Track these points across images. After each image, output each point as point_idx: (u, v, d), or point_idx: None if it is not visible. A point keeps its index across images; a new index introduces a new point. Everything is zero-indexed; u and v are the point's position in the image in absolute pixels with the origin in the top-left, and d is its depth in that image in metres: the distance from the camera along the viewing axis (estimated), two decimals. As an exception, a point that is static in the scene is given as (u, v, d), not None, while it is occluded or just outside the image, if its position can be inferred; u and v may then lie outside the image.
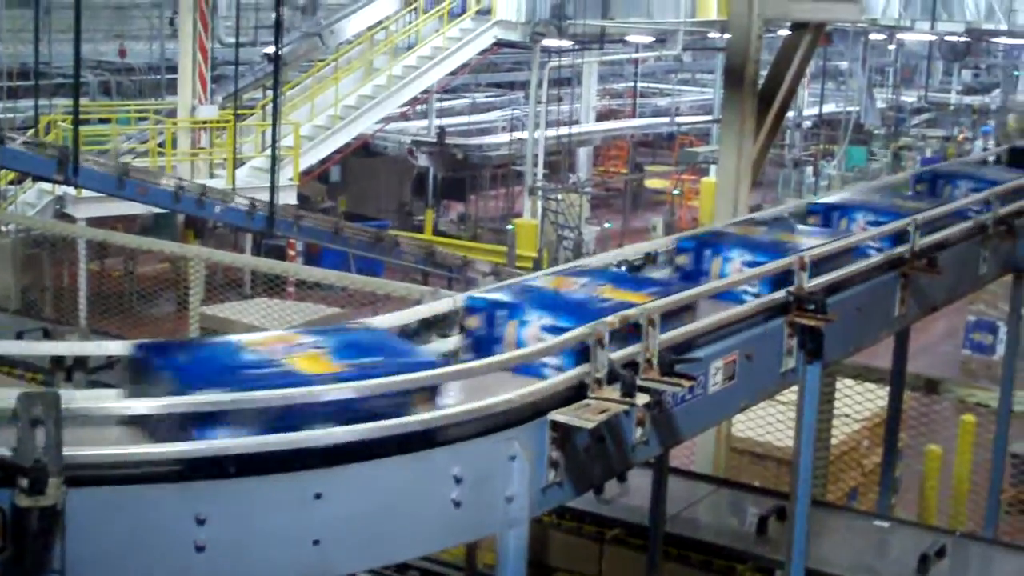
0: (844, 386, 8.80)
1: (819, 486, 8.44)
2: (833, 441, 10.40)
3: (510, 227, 27.03)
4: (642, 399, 3.99)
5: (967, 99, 46.87)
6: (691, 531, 6.60)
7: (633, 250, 5.59)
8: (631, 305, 4.25)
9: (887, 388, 7.89)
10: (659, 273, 5.49)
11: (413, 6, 26.21)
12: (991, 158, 9.06)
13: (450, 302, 4.40)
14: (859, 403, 8.91)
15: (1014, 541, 9.83)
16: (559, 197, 27.38)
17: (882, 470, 8.15)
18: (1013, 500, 12.38)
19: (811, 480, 5.50)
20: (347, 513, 3.41)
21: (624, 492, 6.84)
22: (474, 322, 4.44)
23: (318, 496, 3.33)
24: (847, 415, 9.69)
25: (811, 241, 5.42)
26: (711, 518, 6.95)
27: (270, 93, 23.14)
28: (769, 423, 9.61)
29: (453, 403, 3.66)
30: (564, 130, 28.96)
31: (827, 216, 6.40)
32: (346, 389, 3.40)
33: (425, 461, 3.52)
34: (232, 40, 25.25)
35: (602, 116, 37.16)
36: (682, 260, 5.44)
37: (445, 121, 33.03)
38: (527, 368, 4.05)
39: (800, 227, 6.06)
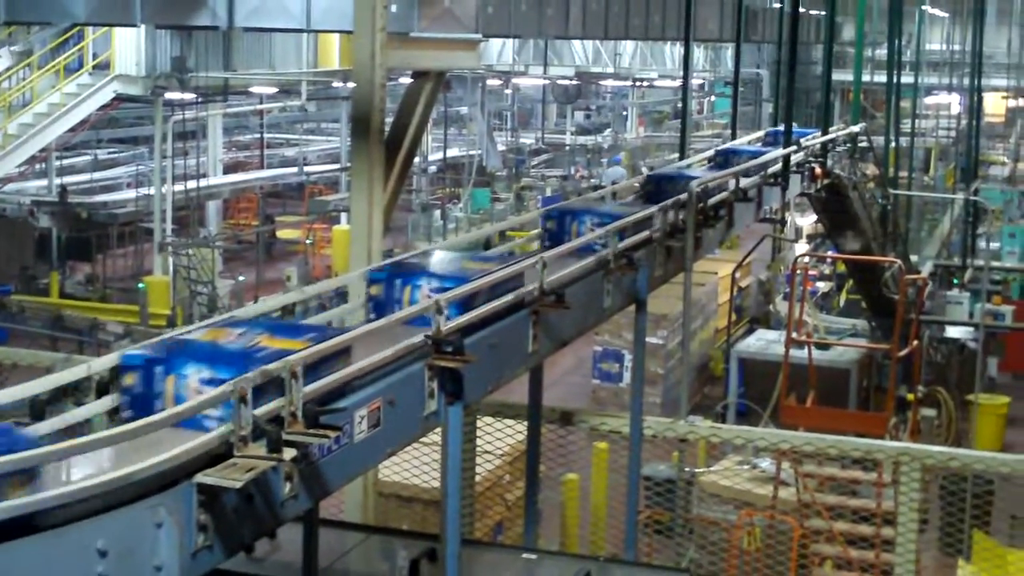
0: (484, 423, 9.00)
1: (467, 524, 8.59)
2: (476, 478, 10.62)
3: (141, 285, 26.33)
4: (289, 454, 3.98)
5: (581, 139, 49.04)
6: (344, 582, 6.60)
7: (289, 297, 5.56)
8: (291, 352, 4.26)
9: (524, 423, 8.11)
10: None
11: (26, 62, 25.23)
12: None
13: (84, 369, 4.26)
14: (498, 439, 9.13)
15: (653, 562, 10.30)
16: (190, 252, 26.87)
17: (526, 503, 8.37)
18: (648, 521, 12.96)
19: (460, 519, 5.60)
20: (-14, 599, 3.25)
21: (275, 549, 6.75)
22: (131, 380, 4.31)
23: (-50, 585, 3.17)
24: (488, 451, 9.91)
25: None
26: (363, 567, 6.94)
27: None
28: (414, 466, 9.71)
29: (93, 474, 3.55)
30: (192, 184, 28.51)
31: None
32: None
33: (65, 537, 3.38)
34: None
35: (230, 168, 36.80)
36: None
37: (67, 179, 31.89)
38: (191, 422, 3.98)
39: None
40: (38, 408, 4.14)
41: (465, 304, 5.48)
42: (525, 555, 7.12)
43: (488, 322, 5.66)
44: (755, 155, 12.54)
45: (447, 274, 5.84)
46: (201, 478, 3.74)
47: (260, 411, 3.98)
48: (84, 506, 3.44)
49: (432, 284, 5.66)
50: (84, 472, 3.63)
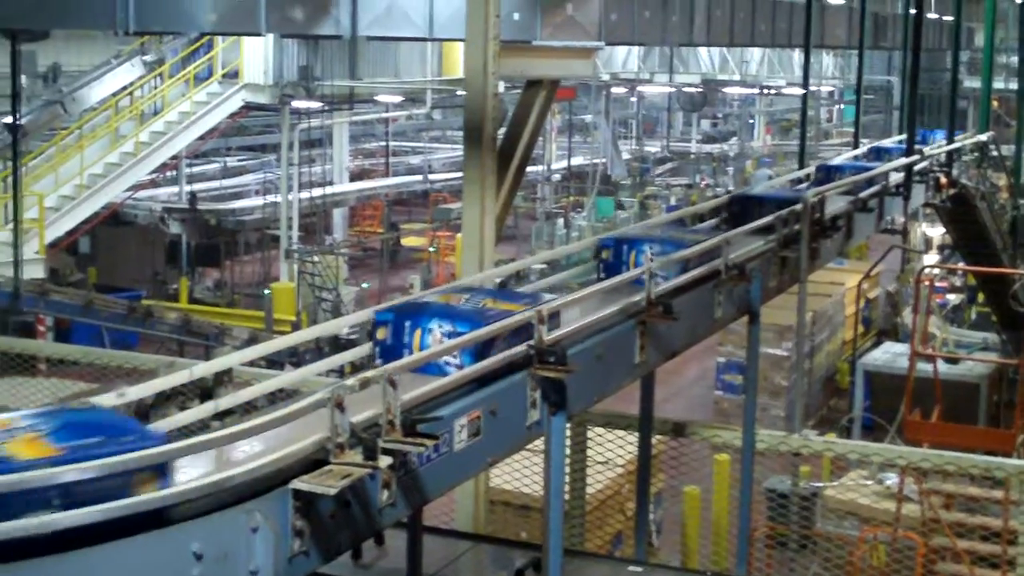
0: (599, 433, 8.93)
1: (577, 534, 8.55)
2: (596, 488, 10.54)
3: (267, 291, 26.75)
4: (385, 461, 3.98)
5: (707, 147, 48.66)
6: (449, 589, 6.62)
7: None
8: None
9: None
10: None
11: (158, 71, 25.79)
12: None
13: (186, 374, 4.31)
14: (620, 448, 9.06)
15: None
16: (316, 259, 27.23)
17: (636, 515, 8.30)
18: (770, 535, 12.78)
19: (562, 529, 5.56)
20: (82, 600, 3.30)
21: (382, 555, 6.80)
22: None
23: (50, 585, 3.22)
24: (608, 461, 9.83)
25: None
26: (469, 575, 6.96)
27: (11, 164, 22.39)
28: (527, 475, 9.68)
29: (192, 476, 3.60)
30: (318, 191, 28.91)
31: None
32: (62, 472, 3.28)
33: (162, 540, 3.43)
34: (-33, 111, 24.42)
35: (355, 176, 37.21)
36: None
37: (196, 186, 32.58)
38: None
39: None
40: (143, 411, 4.21)
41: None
42: (631, 567, 7.07)
43: (594, 332, 5.62)
44: (858, 171, 12.14)
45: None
46: (297, 484, 3.76)
47: (358, 419, 3.99)
48: (181, 509, 3.48)
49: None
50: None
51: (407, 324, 5.04)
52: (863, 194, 10.11)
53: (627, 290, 6.06)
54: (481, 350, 4.90)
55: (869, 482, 13.93)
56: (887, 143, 15.92)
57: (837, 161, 13.56)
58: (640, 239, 6.91)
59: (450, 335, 4.90)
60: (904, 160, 12.60)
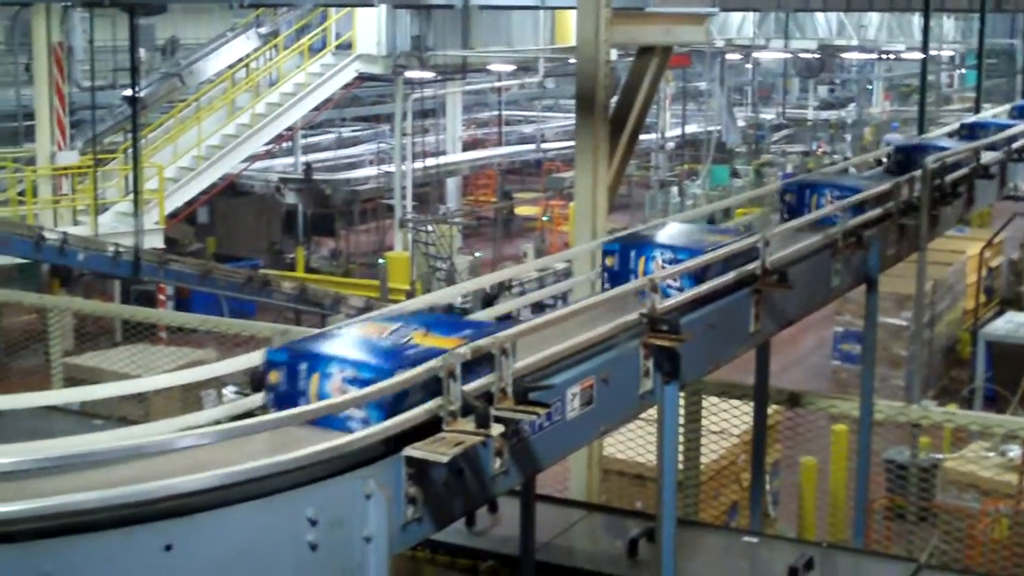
0: (714, 403, 8.87)
1: (691, 504, 8.51)
2: (712, 457, 10.48)
3: (382, 261, 26.97)
4: (497, 429, 3.98)
5: (824, 114, 47.95)
6: (562, 558, 6.59)
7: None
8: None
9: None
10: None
11: (273, 43, 26.08)
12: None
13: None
14: (735, 418, 8.98)
15: (881, 550, 10.00)
16: (430, 228, 27.38)
17: (751, 485, 8.24)
18: (888, 507, 12.60)
19: (676, 499, 5.53)
20: (200, 563, 3.33)
21: (496, 523, 6.83)
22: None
23: (168, 548, 3.26)
24: (723, 431, 9.76)
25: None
26: (582, 544, 6.95)
27: (131, 136, 22.86)
28: (642, 444, 9.66)
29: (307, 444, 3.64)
30: (432, 161, 29.01)
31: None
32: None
33: (278, 505, 3.47)
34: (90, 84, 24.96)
35: (469, 146, 37.31)
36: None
37: (311, 157, 32.91)
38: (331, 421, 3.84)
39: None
40: (258, 377, 4.24)
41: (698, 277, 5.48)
42: (746, 538, 7.01)
43: (707, 301, 5.57)
44: (1004, 128, 11.82)
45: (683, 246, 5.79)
46: (410, 451, 3.77)
47: (470, 387, 3.99)
48: (295, 475, 3.51)
49: (666, 256, 5.69)
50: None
51: (302, 367, 4.01)
52: (984, 160, 9.85)
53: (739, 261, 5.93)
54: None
55: (991, 454, 13.64)
56: (985, 116, 15.38)
57: (920, 140, 13.06)
58: (650, 243, 5.90)
59: (354, 382, 3.90)
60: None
